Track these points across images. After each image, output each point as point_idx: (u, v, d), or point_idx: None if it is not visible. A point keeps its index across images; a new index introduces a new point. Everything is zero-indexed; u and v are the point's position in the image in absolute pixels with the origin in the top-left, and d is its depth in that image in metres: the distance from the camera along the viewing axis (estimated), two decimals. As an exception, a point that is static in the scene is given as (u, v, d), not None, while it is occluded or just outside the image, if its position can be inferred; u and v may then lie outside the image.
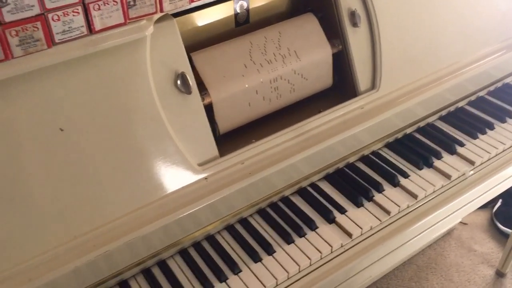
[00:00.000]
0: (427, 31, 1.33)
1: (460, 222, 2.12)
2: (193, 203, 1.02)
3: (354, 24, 1.23)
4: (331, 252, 1.06)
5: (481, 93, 1.46)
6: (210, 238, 1.09)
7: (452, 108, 1.41)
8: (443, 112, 1.39)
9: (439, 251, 2.02)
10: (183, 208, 1.01)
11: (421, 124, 1.36)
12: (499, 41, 1.48)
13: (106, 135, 0.96)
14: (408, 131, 1.34)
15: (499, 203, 2.16)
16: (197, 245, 1.07)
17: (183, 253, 1.06)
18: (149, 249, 1.00)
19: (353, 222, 1.10)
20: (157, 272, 1.03)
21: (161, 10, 0.98)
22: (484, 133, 1.32)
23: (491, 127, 1.34)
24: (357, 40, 1.25)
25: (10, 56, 0.84)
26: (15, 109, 0.87)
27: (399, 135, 1.32)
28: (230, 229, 1.11)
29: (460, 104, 1.42)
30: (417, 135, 1.33)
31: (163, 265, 1.04)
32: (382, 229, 1.11)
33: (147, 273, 1.02)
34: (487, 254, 2.01)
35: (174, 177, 1.03)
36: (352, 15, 1.23)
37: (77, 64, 0.91)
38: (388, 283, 1.92)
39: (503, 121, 1.37)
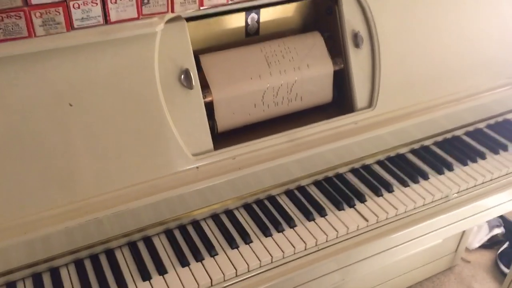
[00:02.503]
0: (428, 59, 1.40)
1: (463, 259, 2.12)
2: (182, 187, 1.11)
3: (357, 45, 1.32)
4: (305, 249, 1.13)
5: (480, 125, 1.51)
6: (195, 223, 1.18)
7: (448, 135, 1.46)
8: (439, 138, 1.45)
9: (437, 283, 2.02)
10: (172, 190, 1.10)
11: (415, 146, 1.41)
12: (504, 77, 1.52)
13: (110, 115, 1.07)
14: (401, 151, 1.40)
15: (505, 245, 2.15)
16: (182, 228, 1.16)
17: (168, 233, 1.15)
18: (137, 223, 1.10)
19: (330, 224, 1.17)
20: (141, 246, 1.12)
21: (172, 11, 1.10)
22: (474, 161, 1.37)
23: (483, 157, 1.38)
24: (358, 60, 1.33)
25: (33, 34, 0.97)
26: (34, 81, 1.00)
27: (392, 154, 1.38)
28: (215, 217, 1.19)
29: (457, 133, 1.47)
30: (409, 156, 1.39)
31: (148, 241, 1.13)
32: (358, 235, 1.17)
33: (132, 246, 1.12)
34: (486, 294, 2.00)
35: (168, 162, 1.13)
36: (355, 36, 1.31)
37: (91, 49, 1.03)
38: (381, 309, 1.93)
39: (496, 152, 1.40)
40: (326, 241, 1.15)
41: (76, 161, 1.05)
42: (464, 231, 1.98)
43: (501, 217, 2.28)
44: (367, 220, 1.19)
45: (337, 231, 1.15)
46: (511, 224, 2.26)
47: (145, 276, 1.05)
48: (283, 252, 1.11)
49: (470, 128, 1.50)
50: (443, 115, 1.40)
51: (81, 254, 1.08)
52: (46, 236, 1.01)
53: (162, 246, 1.12)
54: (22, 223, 1.00)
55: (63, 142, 1.04)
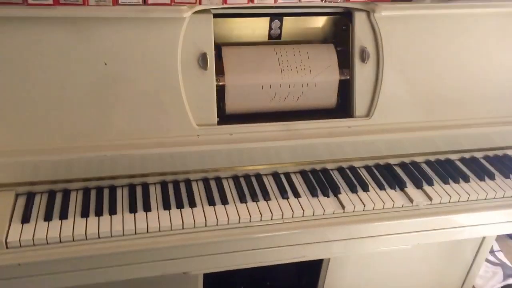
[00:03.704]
0: (429, 84, 1.52)
1: (469, 298, 2.12)
2: (181, 147, 1.34)
3: (363, 59, 1.48)
4: (271, 219, 1.30)
5: (477, 154, 1.58)
6: (187, 181, 1.39)
7: (441, 157, 1.55)
8: (431, 157, 1.55)
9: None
10: (173, 147, 1.34)
11: (405, 160, 1.53)
12: (508, 113, 1.59)
13: (134, 79, 1.33)
14: (391, 161, 1.52)
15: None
16: (175, 183, 1.38)
17: (163, 184, 1.37)
18: (139, 169, 1.34)
19: (300, 204, 1.33)
20: (138, 189, 1.35)
21: (199, 3, 1.34)
22: (457, 182, 1.45)
23: (467, 180, 1.46)
24: (362, 74, 1.49)
25: (87, 3, 1.26)
26: (82, 41, 1.28)
27: (381, 162, 1.51)
28: (205, 181, 1.40)
29: (451, 157, 1.56)
30: (396, 168, 1.51)
31: (145, 186, 1.36)
32: (321, 219, 1.32)
33: (131, 187, 1.35)
34: (483, 337, 1.99)
35: (176, 126, 1.36)
36: (362, 52, 1.48)
37: (130, 23, 1.30)
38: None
39: (481, 179, 1.48)
40: (292, 217, 1.31)
41: (99, 111, 1.31)
42: (469, 270, 2.00)
43: (520, 268, 2.25)
44: (332, 209, 1.33)
45: (303, 210, 1.31)
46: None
47: (132, 209, 1.27)
48: (250, 216, 1.28)
49: (466, 155, 1.58)
50: (438, 136, 1.51)
51: (91, 184, 1.33)
52: (70, 160, 1.28)
53: (155, 192, 1.34)
54: (55, 148, 1.29)
55: (94, 94, 1.31)
